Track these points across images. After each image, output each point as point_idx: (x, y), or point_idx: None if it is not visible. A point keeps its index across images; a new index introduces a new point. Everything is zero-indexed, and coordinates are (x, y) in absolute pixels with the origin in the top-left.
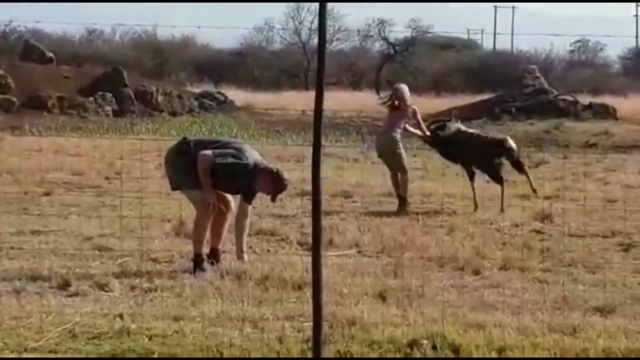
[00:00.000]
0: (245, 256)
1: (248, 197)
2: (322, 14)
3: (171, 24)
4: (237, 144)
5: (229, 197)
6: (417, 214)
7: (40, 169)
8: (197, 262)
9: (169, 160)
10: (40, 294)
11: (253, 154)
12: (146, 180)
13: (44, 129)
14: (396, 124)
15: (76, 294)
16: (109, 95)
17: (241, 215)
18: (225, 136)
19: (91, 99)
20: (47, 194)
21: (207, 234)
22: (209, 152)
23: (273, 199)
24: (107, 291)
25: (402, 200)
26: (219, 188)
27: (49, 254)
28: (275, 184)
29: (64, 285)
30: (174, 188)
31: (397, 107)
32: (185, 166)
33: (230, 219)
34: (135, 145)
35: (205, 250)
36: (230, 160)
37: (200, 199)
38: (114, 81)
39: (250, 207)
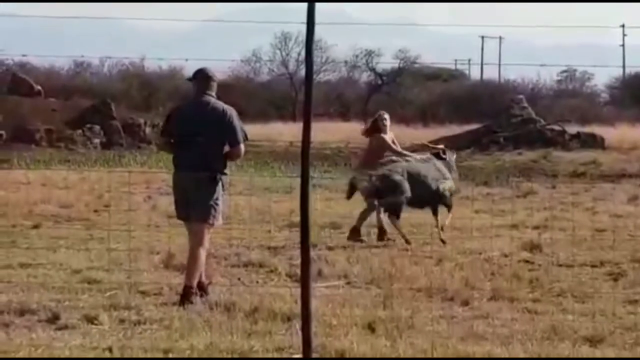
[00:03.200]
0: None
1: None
2: (310, 14)
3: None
4: None
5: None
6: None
7: (28, 201)
8: (187, 295)
9: (177, 189)
10: (29, 328)
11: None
12: (135, 213)
13: (32, 162)
14: (377, 155)
15: (65, 327)
16: (97, 127)
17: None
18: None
19: (79, 131)
20: (35, 226)
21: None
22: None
23: None
24: (96, 324)
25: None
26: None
27: (37, 287)
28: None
29: (53, 318)
30: (179, 217)
31: (378, 136)
32: (194, 195)
33: (207, 251)
34: (123, 177)
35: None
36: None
37: (205, 232)
38: (101, 113)
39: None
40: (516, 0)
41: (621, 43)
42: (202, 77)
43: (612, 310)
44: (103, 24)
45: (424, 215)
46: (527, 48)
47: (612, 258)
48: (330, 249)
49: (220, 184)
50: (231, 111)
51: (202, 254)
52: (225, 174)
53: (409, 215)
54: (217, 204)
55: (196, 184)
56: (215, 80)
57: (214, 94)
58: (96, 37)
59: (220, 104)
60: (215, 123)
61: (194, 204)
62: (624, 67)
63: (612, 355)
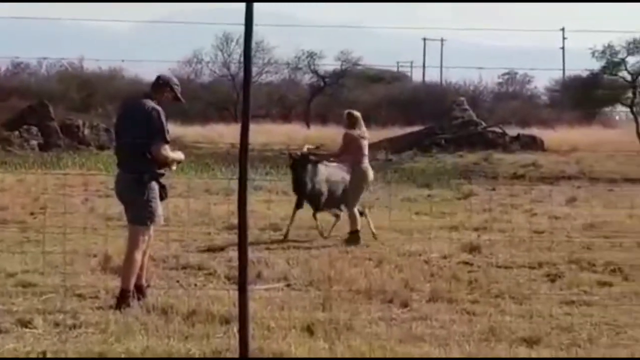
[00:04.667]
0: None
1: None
2: (248, 15)
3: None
4: None
5: (152, 228)
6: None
7: None
8: (123, 298)
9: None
10: None
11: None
12: (72, 215)
13: None
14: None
15: None
16: (34, 129)
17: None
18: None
19: (16, 132)
20: None
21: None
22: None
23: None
24: (30, 328)
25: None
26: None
27: None
28: (166, 85)
29: None
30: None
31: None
32: (127, 197)
33: (148, 252)
34: (60, 179)
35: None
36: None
37: (139, 234)
38: (39, 115)
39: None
40: (459, 1)
41: (561, 46)
42: (153, 82)
43: (549, 311)
44: (41, 25)
45: (361, 218)
46: (470, 51)
47: (550, 259)
48: (270, 251)
49: (150, 185)
50: (154, 111)
51: (137, 256)
52: (158, 174)
53: (345, 217)
54: (148, 206)
55: (126, 185)
56: (160, 82)
57: (155, 96)
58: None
59: (147, 104)
60: (139, 123)
61: (127, 206)
62: (563, 70)
63: (549, 356)
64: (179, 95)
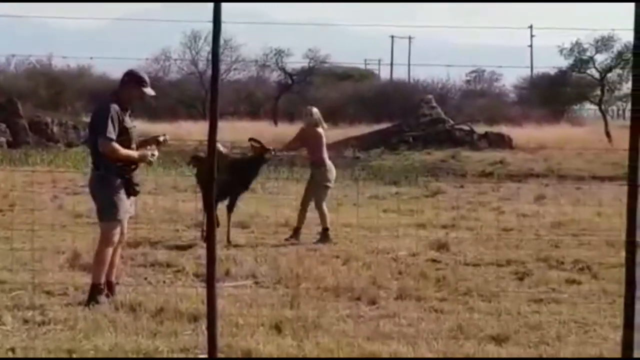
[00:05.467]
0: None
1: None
2: (216, 15)
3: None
4: None
5: (125, 225)
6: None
7: None
8: (94, 294)
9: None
10: None
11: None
12: (40, 212)
13: None
14: (319, 149)
15: None
16: (3, 126)
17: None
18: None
19: None
20: None
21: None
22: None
23: (143, 99)
24: None
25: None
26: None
27: None
28: (134, 80)
29: None
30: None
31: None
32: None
33: (120, 249)
34: (29, 176)
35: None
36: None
37: (107, 228)
38: (8, 112)
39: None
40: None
41: (529, 44)
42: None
43: (518, 309)
44: (9, 22)
45: (330, 215)
46: (438, 48)
47: (518, 257)
48: (238, 248)
49: (112, 180)
50: (100, 108)
51: (104, 251)
52: (120, 169)
53: (314, 215)
54: (111, 201)
55: (92, 181)
56: (125, 79)
57: (120, 92)
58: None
59: (100, 102)
60: (92, 121)
61: (94, 202)
62: (531, 67)
63: (517, 354)
64: (147, 91)
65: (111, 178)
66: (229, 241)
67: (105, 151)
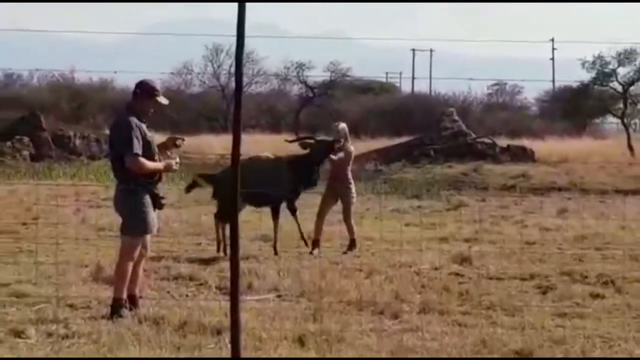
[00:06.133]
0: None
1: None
2: (241, 14)
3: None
4: None
5: (148, 239)
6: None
7: None
8: (116, 308)
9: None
10: None
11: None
12: (64, 226)
13: None
14: (347, 166)
15: None
16: (26, 139)
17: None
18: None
19: (8, 143)
20: None
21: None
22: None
23: (160, 108)
24: (23, 338)
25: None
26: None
27: None
28: (146, 90)
29: None
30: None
31: (341, 148)
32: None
33: (143, 263)
34: (52, 190)
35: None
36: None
37: (128, 243)
38: (31, 125)
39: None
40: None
41: (551, 57)
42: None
43: (541, 324)
44: (33, 37)
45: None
46: (459, 61)
47: (541, 271)
48: (261, 261)
49: (139, 194)
50: (120, 123)
51: (124, 265)
52: (147, 183)
53: (337, 228)
54: (137, 216)
55: (118, 195)
56: (137, 92)
57: (135, 105)
58: (26, 50)
59: (119, 116)
60: (110, 136)
61: (119, 216)
62: (553, 81)
63: None
64: (160, 100)
65: (137, 192)
66: (306, 244)
67: (134, 167)
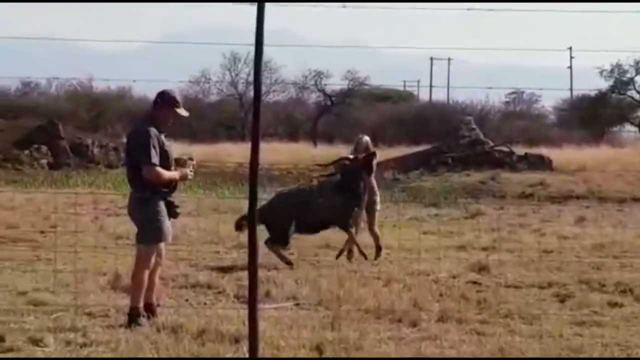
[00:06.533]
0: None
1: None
2: (260, 15)
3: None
4: None
5: (162, 247)
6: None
7: None
8: (133, 316)
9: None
10: None
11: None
12: (82, 234)
13: None
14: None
15: (10, 350)
16: (44, 148)
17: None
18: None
19: (26, 151)
20: None
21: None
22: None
23: (179, 119)
24: (41, 346)
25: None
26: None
27: None
28: (167, 101)
29: None
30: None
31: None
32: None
33: (159, 271)
34: (70, 198)
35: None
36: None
37: (143, 252)
38: (49, 134)
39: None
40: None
41: (569, 65)
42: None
43: (560, 332)
44: (50, 45)
45: (370, 236)
46: (476, 70)
47: (559, 279)
48: (278, 269)
49: (154, 203)
50: (138, 133)
51: (140, 274)
52: (163, 192)
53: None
54: (153, 224)
55: (132, 204)
56: (158, 101)
57: (155, 115)
58: (43, 58)
59: (136, 126)
60: (128, 144)
61: (135, 224)
62: (571, 89)
63: None
64: (180, 112)
65: (153, 200)
66: (365, 257)
67: (151, 177)
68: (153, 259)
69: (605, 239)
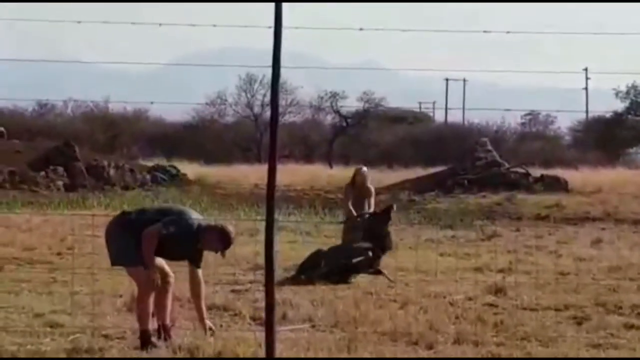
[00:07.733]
0: (208, 322)
1: (196, 261)
2: (278, 15)
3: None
4: (177, 208)
5: (168, 269)
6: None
7: None
8: (145, 339)
9: (109, 235)
10: None
11: (194, 215)
12: (98, 256)
13: None
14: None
15: None
16: (60, 169)
17: (195, 284)
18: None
19: (42, 173)
20: None
21: (152, 310)
22: (154, 228)
23: (223, 255)
24: None
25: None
26: (166, 257)
27: None
28: (223, 239)
29: None
30: (113, 263)
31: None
32: (126, 241)
33: (171, 292)
34: (86, 220)
35: (154, 326)
36: (173, 228)
37: (144, 275)
38: (65, 155)
39: (200, 272)
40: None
41: (584, 86)
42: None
43: (576, 354)
44: (67, 67)
45: (386, 258)
46: (492, 91)
47: (576, 302)
48: (294, 292)
49: (128, 225)
50: (190, 231)
51: (143, 297)
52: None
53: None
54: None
55: (106, 232)
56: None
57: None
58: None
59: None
60: (167, 216)
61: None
62: (587, 110)
63: None
64: (223, 252)
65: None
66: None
67: (146, 237)
68: (150, 281)
69: (621, 261)
